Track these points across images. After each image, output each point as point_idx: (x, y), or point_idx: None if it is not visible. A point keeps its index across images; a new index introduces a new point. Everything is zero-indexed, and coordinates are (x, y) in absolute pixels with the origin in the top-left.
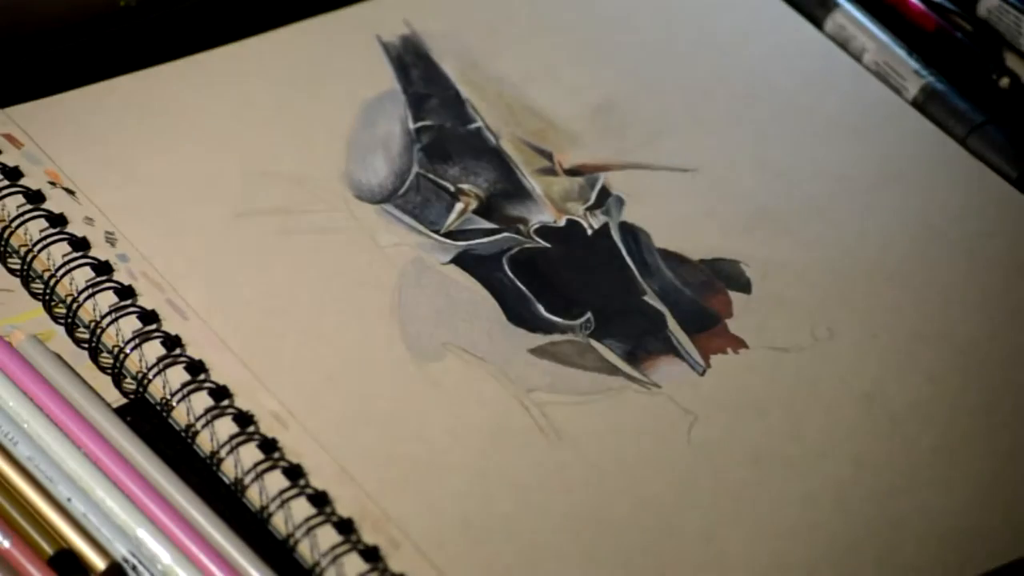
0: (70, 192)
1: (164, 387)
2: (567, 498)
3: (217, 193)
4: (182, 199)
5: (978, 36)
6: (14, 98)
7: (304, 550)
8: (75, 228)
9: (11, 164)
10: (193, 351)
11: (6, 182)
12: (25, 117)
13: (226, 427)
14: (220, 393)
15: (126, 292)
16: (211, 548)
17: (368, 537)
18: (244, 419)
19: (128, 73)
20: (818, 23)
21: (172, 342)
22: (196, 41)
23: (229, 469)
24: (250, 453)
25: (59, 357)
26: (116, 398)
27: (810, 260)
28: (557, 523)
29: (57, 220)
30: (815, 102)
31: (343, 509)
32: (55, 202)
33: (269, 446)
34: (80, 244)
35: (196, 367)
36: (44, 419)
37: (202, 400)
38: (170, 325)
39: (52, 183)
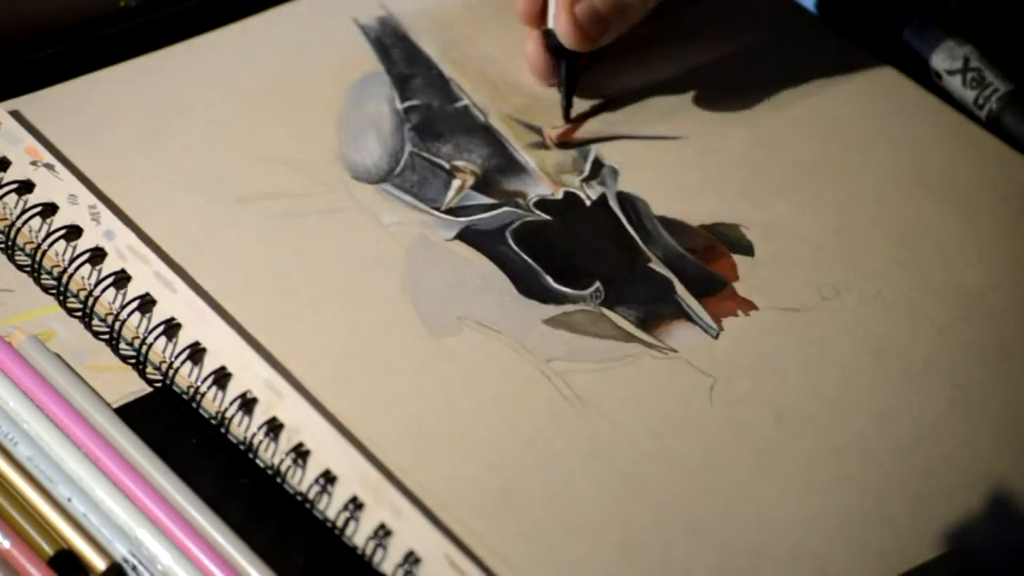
0: (50, 167)
1: (190, 375)
2: (598, 463)
3: (214, 180)
4: (179, 187)
5: None
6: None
7: (351, 536)
8: (64, 215)
9: None
10: (187, 329)
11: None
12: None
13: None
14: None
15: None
16: (211, 548)
17: (402, 516)
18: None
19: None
20: None
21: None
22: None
23: (265, 456)
24: (287, 438)
25: (59, 357)
26: (116, 398)
27: (807, 220)
28: (591, 488)
29: (49, 210)
30: (794, 65)
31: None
32: (42, 187)
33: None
34: (74, 231)
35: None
36: (44, 419)
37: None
38: (160, 297)
39: (34, 162)
